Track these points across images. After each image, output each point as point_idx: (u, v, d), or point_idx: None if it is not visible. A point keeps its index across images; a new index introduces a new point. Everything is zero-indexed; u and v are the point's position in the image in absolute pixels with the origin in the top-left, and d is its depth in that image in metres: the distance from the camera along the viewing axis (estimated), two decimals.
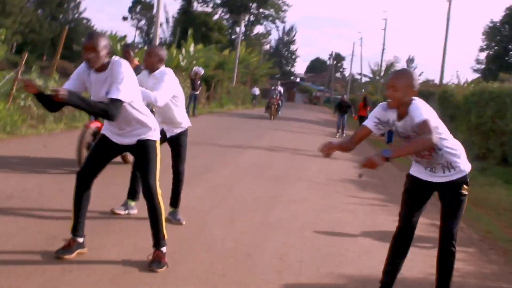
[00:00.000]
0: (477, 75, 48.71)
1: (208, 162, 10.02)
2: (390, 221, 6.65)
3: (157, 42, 25.01)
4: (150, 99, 5.00)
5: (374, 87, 52.91)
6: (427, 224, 6.29)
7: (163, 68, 5.41)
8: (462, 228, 3.99)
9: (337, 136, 21.44)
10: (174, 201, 5.63)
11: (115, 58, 4.00)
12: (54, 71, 15.13)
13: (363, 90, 59.10)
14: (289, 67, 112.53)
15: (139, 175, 4.36)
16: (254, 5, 65.32)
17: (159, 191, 4.23)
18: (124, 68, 3.92)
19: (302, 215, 6.73)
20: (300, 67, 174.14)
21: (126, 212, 5.61)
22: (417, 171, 4.06)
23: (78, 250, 4.21)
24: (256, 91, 48.31)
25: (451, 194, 3.96)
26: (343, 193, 8.70)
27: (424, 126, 3.57)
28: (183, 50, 34.46)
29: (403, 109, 3.75)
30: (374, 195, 8.88)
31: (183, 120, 5.55)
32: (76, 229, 4.23)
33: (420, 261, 5.15)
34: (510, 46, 48.90)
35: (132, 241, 4.78)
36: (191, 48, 34.93)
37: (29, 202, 5.61)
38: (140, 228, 5.16)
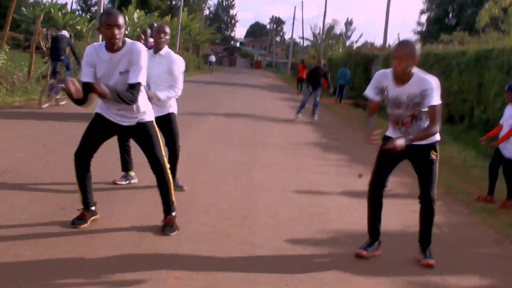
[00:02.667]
0: (417, 37, 50.19)
1: None
2: (359, 181, 7.14)
3: (101, 9, 24.59)
4: (177, 96, 5.57)
5: (315, 51, 53.52)
6: (395, 182, 6.82)
7: (166, 48, 5.54)
8: None
9: (297, 117, 14.99)
10: (172, 173, 5.81)
11: (131, 41, 4.10)
12: (5, 43, 14.91)
13: (306, 54, 59.65)
14: (229, 32, 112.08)
15: (143, 151, 4.42)
16: None
17: (167, 164, 4.46)
18: (144, 54, 4.06)
19: (279, 178, 7.13)
20: (239, 32, 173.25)
21: (127, 182, 5.86)
22: (392, 133, 4.43)
23: (92, 218, 4.46)
24: (213, 58, 53.30)
25: (421, 160, 4.32)
26: (311, 156, 9.18)
27: (435, 112, 4.02)
28: (126, 18, 33.92)
29: (405, 77, 4.11)
30: (338, 156, 9.42)
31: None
32: (87, 201, 4.44)
33: (396, 215, 5.67)
34: (449, 9, 50.42)
35: (135, 209, 5.06)
36: (135, 15, 34.44)
37: (24, 176, 5.76)
38: (139, 196, 5.47)
